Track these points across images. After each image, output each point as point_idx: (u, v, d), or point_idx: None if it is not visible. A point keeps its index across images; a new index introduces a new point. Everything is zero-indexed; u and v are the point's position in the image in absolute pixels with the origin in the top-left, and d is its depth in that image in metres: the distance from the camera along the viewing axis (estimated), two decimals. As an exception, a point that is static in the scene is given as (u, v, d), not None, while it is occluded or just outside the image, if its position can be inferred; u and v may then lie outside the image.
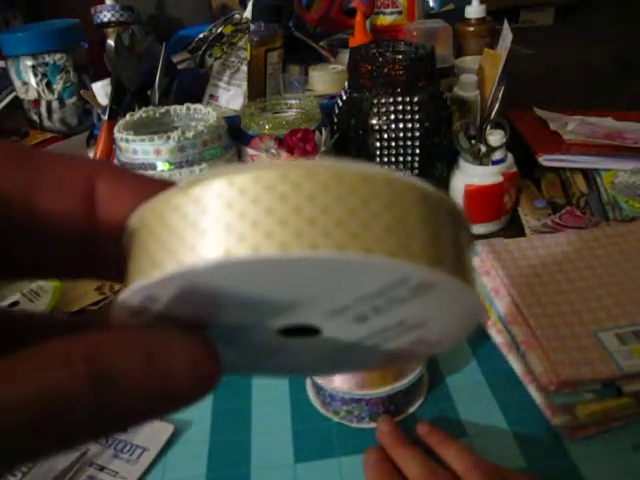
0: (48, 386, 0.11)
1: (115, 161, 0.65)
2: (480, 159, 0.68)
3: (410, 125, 0.64)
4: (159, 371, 0.13)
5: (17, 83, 1.00)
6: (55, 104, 1.00)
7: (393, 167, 0.66)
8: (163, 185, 0.15)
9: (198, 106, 0.70)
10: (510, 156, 0.69)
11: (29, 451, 0.11)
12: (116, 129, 0.64)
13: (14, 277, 0.16)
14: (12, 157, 0.14)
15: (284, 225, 0.12)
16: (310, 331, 0.15)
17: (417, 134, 0.64)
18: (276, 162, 0.12)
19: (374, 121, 0.65)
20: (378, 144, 0.65)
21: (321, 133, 0.68)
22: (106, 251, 0.15)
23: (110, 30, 1.04)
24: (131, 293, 0.13)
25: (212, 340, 0.14)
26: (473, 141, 0.68)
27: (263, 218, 0.12)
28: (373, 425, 0.45)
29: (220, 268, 0.12)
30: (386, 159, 0.66)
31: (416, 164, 0.66)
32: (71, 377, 0.11)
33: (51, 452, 0.12)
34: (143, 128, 0.66)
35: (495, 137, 0.68)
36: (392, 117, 0.64)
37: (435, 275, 0.12)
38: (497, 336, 0.51)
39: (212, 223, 0.12)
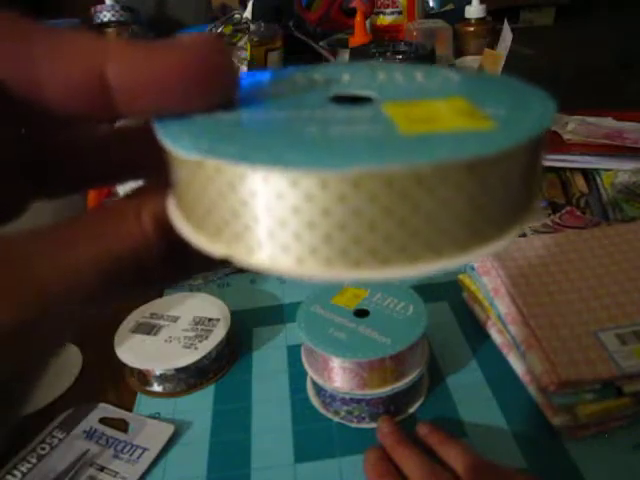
0: (126, 242, 0.13)
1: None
2: (480, 159, 0.68)
3: (410, 125, 0.64)
4: None
5: (17, 83, 1.00)
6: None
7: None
8: (195, 70, 0.13)
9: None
10: (510, 156, 0.69)
11: (117, 293, 0.14)
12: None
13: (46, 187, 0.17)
14: (9, 35, 0.13)
15: (328, 241, 0.11)
16: None
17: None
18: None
19: (374, 121, 0.65)
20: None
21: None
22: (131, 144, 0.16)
23: (110, 30, 1.04)
24: (188, 237, 0.13)
25: None
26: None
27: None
28: (373, 425, 0.45)
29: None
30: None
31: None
32: (142, 234, 0.13)
33: (136, 292, 0.14)
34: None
35: (495, 137, 0.67)
36: (392, 117, 0.64)
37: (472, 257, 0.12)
38: (497, 336, 0.51)
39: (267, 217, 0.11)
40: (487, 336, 0.52)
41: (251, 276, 0.65)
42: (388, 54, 0.67)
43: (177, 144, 0.12)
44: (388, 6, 1.05)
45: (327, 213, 0.11)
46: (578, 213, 0.68)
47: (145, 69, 0.13)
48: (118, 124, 0.16)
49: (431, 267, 0.11)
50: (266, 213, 0.11)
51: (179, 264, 0.14)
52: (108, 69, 0.13)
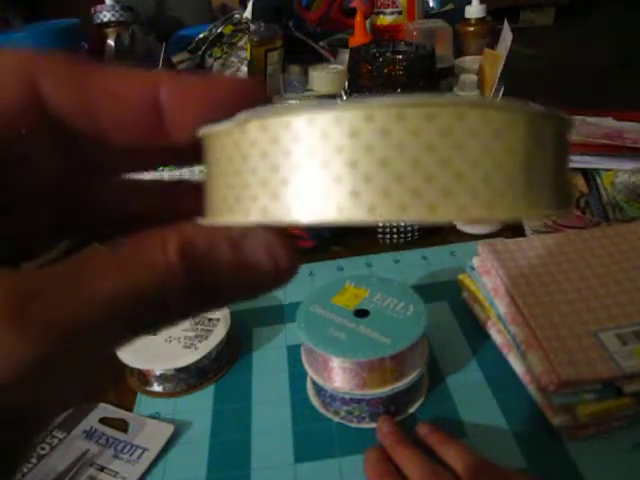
0: (149, 274, 0.13)
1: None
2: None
3: (410, 125, 0.64)
4: (244, 261, 0.14)
5: (17, 83, 1.00)
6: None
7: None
8: (236, 90, 0.14)
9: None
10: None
11: (138, 328, 0.13)
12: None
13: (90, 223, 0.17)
14: (69, 74, 0.14)
15: (400, 181, 0.11)
16: None
17: (417, 134, 0.64)
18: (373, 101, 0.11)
19: (374, 121, 0.65)
20: (378, 144, 0.65)
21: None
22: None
23: (110, 30, 1.04)
24: (221, 224, 0.13)
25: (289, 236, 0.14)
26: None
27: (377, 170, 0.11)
28: (373, 425, 0.45)
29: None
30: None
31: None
32: (167, 266, 0.13)
33: (152, 328, 0.14)
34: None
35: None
36: (392, 117, 0.64)
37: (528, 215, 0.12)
38: (497, 336, 0.51)
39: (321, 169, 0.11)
40: (487, 336, 0.52)
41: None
42: (388, 54, 0.67)
43: (221, 124, 0.12)
44: (388, 6, 1.05)
45: (370, 149, 0.10)
46: (578, 213, 0.68)
47: (194, 87, 0.14)
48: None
49: (477, 215, 0.11)
50: (308, 157, 0.11)
51: (205, 296, 0.14)
52: (161, 91, 0.14)
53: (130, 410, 0.49)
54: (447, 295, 0.59)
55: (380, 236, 0.71)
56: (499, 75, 0.77)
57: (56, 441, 0.46)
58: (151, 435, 0.46)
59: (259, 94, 0.15)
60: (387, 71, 0.63)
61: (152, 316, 0.13)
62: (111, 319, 0.12)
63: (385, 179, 0.10)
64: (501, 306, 0.50)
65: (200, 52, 0.92)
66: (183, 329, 0.53)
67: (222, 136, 0.12)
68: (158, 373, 0.50)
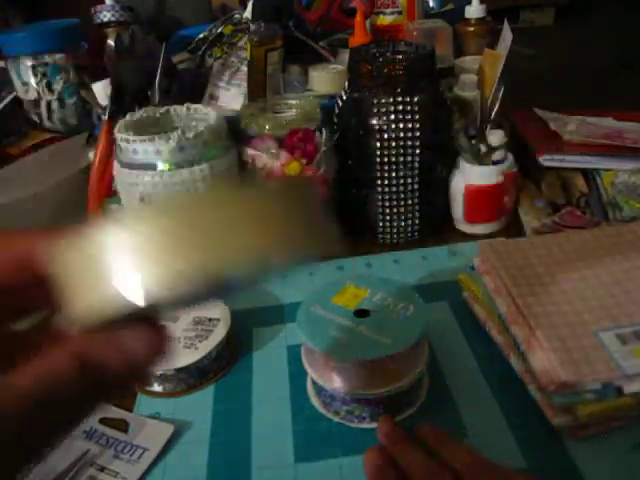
0: (53, 376, 0.18)
1: (115, 161, 0.65)
2: (480, 159, 0.68)
3: (410, 125, 0.64)
4: (125, 360, 0.20)
5: (17, 83, 1.00)
6: (55, 104, 1.00)
7: (393, 167, 0.66)
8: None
9: (198, 106, 0.70)
10: (510, 156, 0.69)
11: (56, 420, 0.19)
12: (116, 129, 0.64)
13: None
14: None
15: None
16: None
17: (417, 134, 0.64)
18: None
19: (374, 121, 0.65)
20: (378, 144, 0.65)
21: (321, 133, 0.68)
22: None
23: (110, 30, 1.04)
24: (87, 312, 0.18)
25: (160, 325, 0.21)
26: (473, 141, 0.68)
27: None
28: (374, 425, 0.45)
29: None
30: (386, 159, 0.66)
31: (416, 164, 0.66)
32: (68, 368, 0.18)
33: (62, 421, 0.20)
34: (143, 128, 0.66)
35: (495, 137, 0.67)
36: (392, 117, 0.64)
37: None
38: (497, 336, 0.51)
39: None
40: (487, 336, 0.52)
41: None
42: (388, 54, 0.67)
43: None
44: (388, 6, 1.05)
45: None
46: (578, 213, 0.68)
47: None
48: None
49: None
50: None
51: (97, 395, 0.21)
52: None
53: (130, 410, 0.49)
54: (447, 295, 0.59)
55: (380, 236, 0.71)
56: (499, 75, 0.77)
57: (56, 441, 0.46)
58: (151, 435, 0.46)
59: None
60: (387, 71, 0.63)
61: (58, 411, 0.19)
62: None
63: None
64: (501, 306, 0.50)
65: (200, 52, 0.92)
66: (183, 329, 0.53)
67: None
68: (158, 373, 0.50)
